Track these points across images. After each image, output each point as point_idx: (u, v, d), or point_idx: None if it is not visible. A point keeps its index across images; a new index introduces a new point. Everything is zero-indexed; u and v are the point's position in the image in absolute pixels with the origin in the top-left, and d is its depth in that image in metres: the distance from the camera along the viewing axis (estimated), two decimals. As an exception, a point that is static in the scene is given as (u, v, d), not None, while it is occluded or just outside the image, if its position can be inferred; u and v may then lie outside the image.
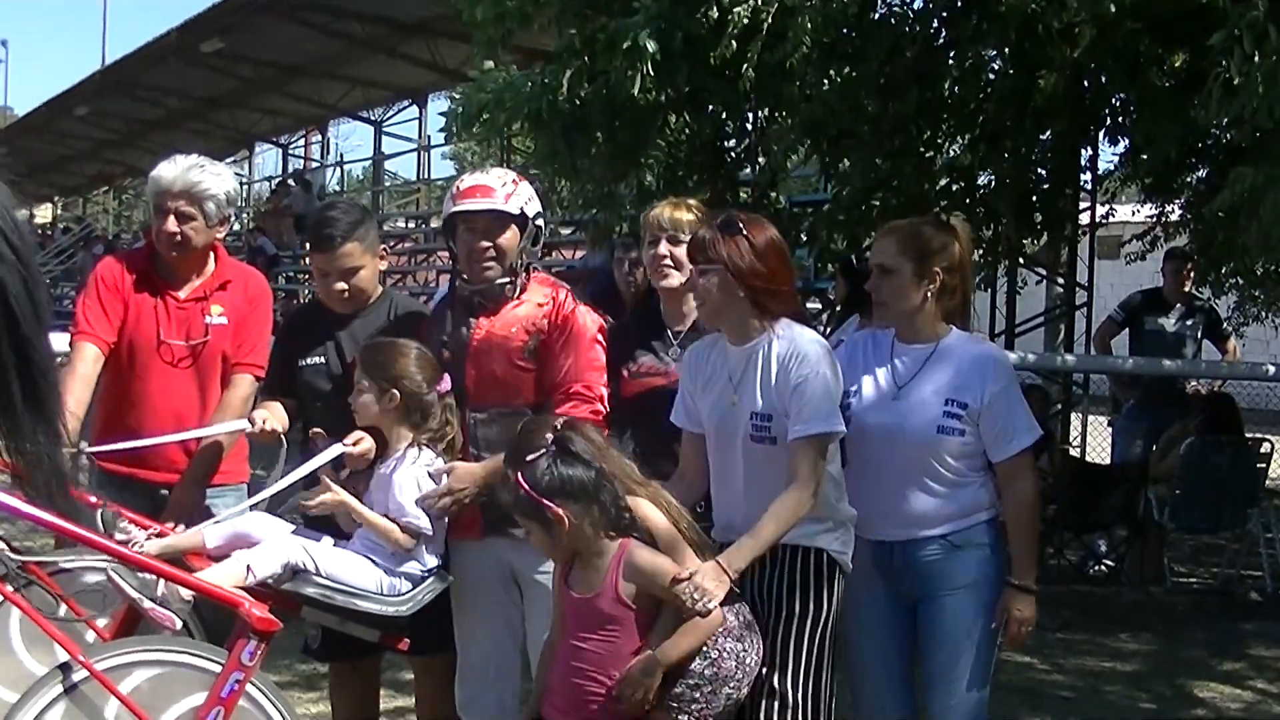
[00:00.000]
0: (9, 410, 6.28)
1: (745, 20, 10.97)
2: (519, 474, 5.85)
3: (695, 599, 5.78)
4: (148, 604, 6.18)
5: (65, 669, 5.81)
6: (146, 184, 7.70)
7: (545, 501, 5.80)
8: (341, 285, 6.95)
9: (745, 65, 11.34)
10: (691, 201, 7.15)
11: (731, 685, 5.98)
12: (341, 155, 50.34)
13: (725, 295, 6.16)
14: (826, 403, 6.13)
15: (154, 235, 7.64)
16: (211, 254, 7.67)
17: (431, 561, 6.58)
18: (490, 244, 6.76)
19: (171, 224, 7.48)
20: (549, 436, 5.90)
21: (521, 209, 6.79)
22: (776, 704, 6.12)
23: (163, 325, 7.50)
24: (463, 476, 6.59)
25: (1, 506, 6.12)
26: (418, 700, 7.50)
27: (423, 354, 6.72)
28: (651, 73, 11.50)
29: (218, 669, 5.92)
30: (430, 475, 6.57)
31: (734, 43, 11.24)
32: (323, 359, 7.04)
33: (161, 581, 6.17)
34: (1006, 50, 13.12)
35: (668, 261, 6.85)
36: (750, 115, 14.38)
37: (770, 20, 11.07)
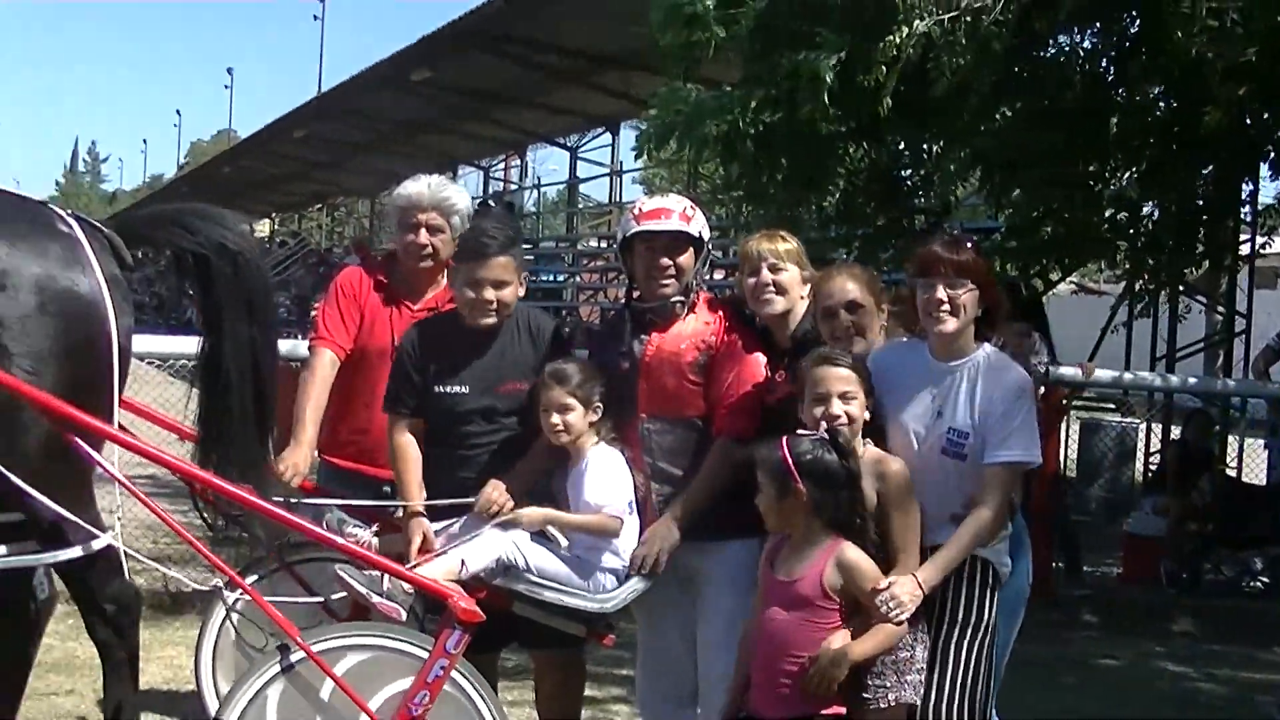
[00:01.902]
0: (243, 428, 6.67)
1: (893, 53, 10.87)
2: (785, 441, 5.99)
3: (890, 608, 5.91)
4: (375, 598, 6.46)
5: (284, 650, 6.06)
6: (391, 205, 7.80)
7: (796, 474, 5.93)
8: (491, 295, 6.89)
9: (884, 96, 11.21)
10: (783, 233, 7.11)
11: (908, 679, 6.07)
12: (539, 179, 50.81)
13: (973, 310, 6.22)
14: (1029, 433, 6.21)
15: (401, 248, 7.83)
16: (446, 268, 7.77)
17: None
18: (671, 263, 6.81)
19: (423, 236, 7.72)
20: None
21: (699, 232, 6.86)
22: (945, 705, 6.16)
23: (396, 332, 7.59)
24: (653, 538, 6.67)
25: (254, 507, 6.50)
26: (539, 693, 7.47)
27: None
28: (830, 103, 11.48)
29: (424, 655, 6.10)
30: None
31: (884, 71, 11.11)
32: (465, 388, 6.95)
33: (386, 576, 6.43)
34: (1171, 87, 12.95)
35: (770, 289, 6.80)
36: (925, 145, 14.27)
37: (912, 54, 10.96)
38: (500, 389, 6.92)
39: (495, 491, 6.68)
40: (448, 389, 6.92)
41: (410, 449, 6.91)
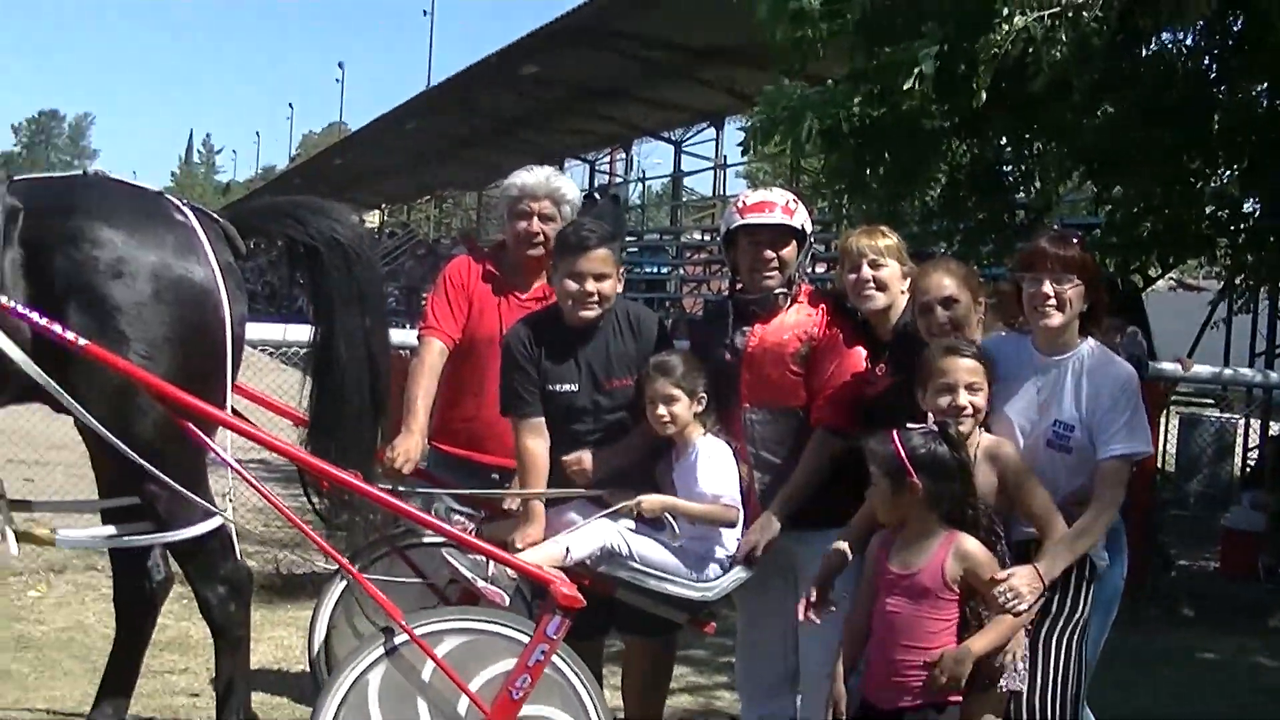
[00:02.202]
0: (354, 416, 6.81)
1: (993, 50, 10.82)
2: (897, 434, 6.01)
3: (1009, 599, 5.92)
4: (480, 583, 6.57)
5: (388, 632, 6.13)
6: (501, 196, 7.88)
7: (910, 467, 5.94)
8: (592, 287, 6.88)
9: (980, 90, 11.15)
10: (884, 228, 7.09)
11: (1019, 668, 6.08)
12: (644, 172, 50.71)
13: (1079, 305, 6.21)
14: (1140, 425, 6.20)
15: (513, 236, 7.91)
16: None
17: (733, 549, 6.68)
18: (774, 255, 6.83)
19: (535, 224, 7.82)
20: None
21: (802, 225, 6.88)
22: (1038, 697, 6.14)
23: (505, 321, 7.65)
24: (755, 528, 6.70)
25: (363, 493, 6.58)
26: (626, 679, 7.52)
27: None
28: (933, 96, 11.45)
29: (525, 639, 6.13)
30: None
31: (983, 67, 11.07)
32: (575, 386, 6.95)
33: (491, 562, 6.53)
34: (1274, 83, 12.83)
35: (870, 285, 6.78)
36: (1027, 141, 14.18)
37: (1012, 50, 10.89)
38: (608, 385, 6.94)
39: (584, 459, 6.81)
40: (558, 388, 6.92)
41: (540, 458, 6.87)
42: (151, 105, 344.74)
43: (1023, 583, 5.91)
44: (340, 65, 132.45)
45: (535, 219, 7.81)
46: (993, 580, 5.94)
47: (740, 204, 6.93)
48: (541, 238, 7.79)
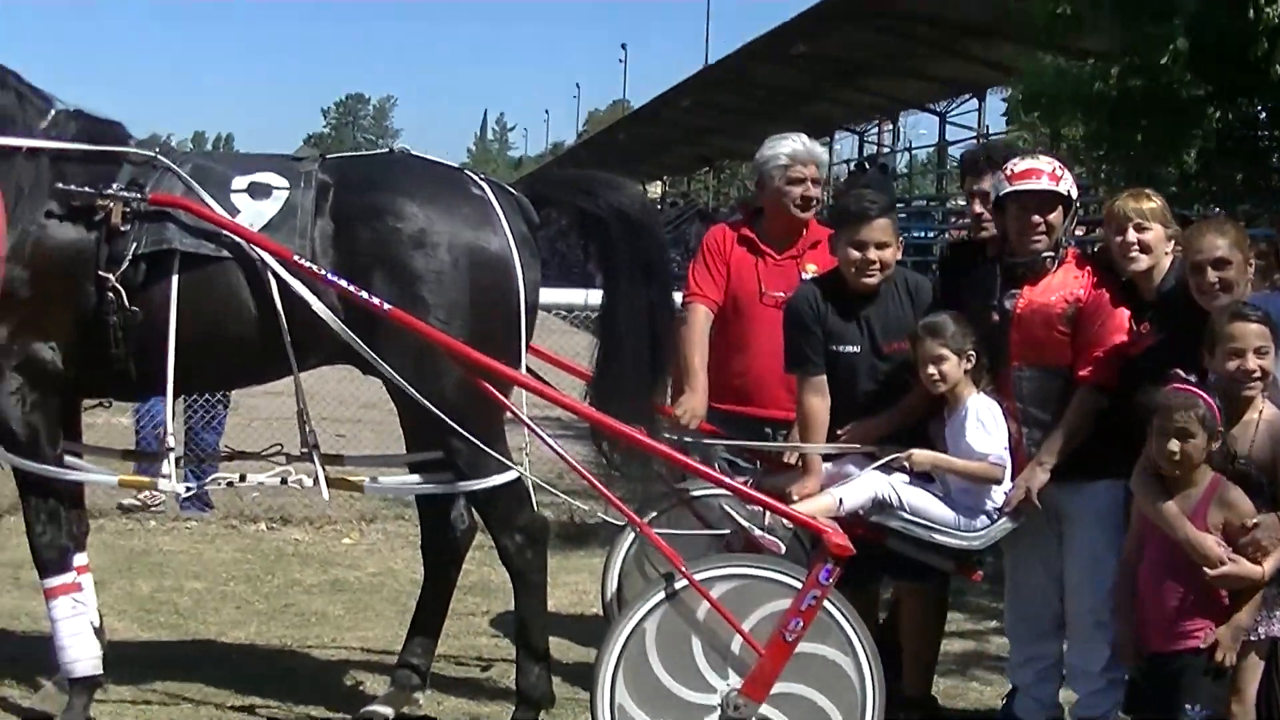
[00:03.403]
0: (637, 376, 6.93)
1: (1276, 20, 10.50)
2: (1188, 390, 5.92)
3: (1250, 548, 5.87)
4: (757, 532, 6.56)
5: (669, 578, 6.15)
6: (766, 164, 7.86)
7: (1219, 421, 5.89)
8: (875, 255, 6.85)
9: (1276, 64, 10.86)
10: (1149, 191, 6.95)
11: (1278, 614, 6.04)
12: (910, 142, 50.33)
13: None
14: None
15: (785, 200, 7.90)
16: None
17: (1000, 500, 6.58)
18: (1042, 220, 6.71)
19: (810, 189, 7.85)
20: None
21: (1068, 191, 6.76)
22: None
23: (763, 281, 7.79)
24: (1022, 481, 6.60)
25: (648, 448, 6.60)
26: (901, 621, 7.47)
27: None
28: (1187, 69, 11.23)
29: (798, 585, 6.09)
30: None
31: (1265, 41, 10.78)
32: (857, 347, 6.90)
33: (768, 513, 6.48)
34: None
35: (1136, 247, 6.61)
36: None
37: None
38: (887, 349, 6.88)
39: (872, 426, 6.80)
40: (841, 349, 6.88)
41: (821, 415, 6.83)
42: (449, 87, 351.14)
43: (1268, 534, 5.85)
44: (623, 46, 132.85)
45: (809, 183, 7.83)
46: (1243, 527, 5.85)
47: (1009, 171, 6.81)
48: (816, 200, 7.90)
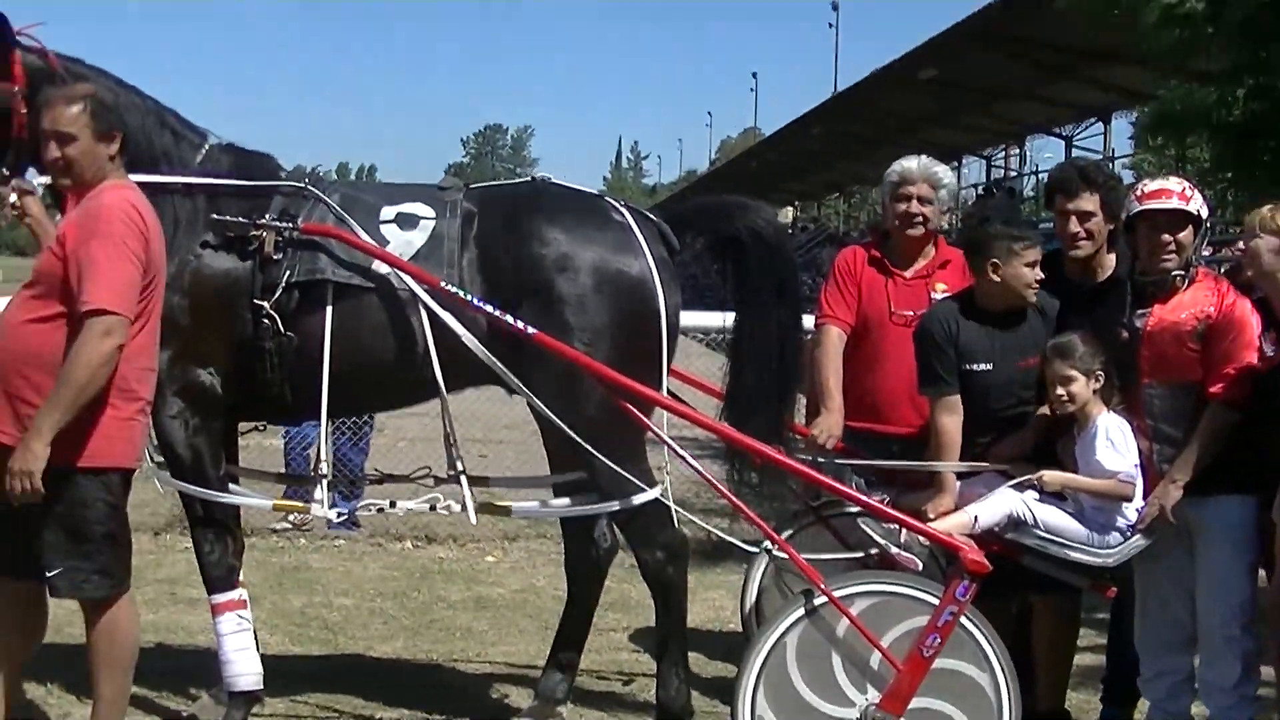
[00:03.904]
0: (770, 396, 7.01)
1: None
2: None
3: None
4: (893, 549, 6.56)
5: (807, 595, 6.17)
6: (883, 184, 7.88)
7: None
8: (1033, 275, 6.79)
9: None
10: None
11: None
12: (1036, 166, 49.75)
13: None
14: None
15: (893, 217, 7.84)
16: (933, 239, 7.83)
17: (1133, 517, 6.50)
18: (1172, 239, 6.62)
19: (914, 205, 7.73)
20: None
21: (1198, 210, 6.66)
22: None
23: (892, 300, 7.69)
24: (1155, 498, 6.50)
25: (785, 466, 6.66)
26: (1035, 633, 7.30)
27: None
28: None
29: (934, 601, 6.10)
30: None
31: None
32: (990, 365, 6.81)
33: (904, 530, 6.50)
34: None
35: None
36: None
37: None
38: (1020, 366, 6.80)
39: (1006, 448, 6.71)
40: (975, 367, 6.80)
41: (954, 434, 6.74)
42: (584, 117, 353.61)
43: None
44: (754, 75, 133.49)
45: (915, 201, 7.73)
46: None
47: (1139, 192, 6.73)
48: (921, 218, 7.75)
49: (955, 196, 7.84)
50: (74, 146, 6.09)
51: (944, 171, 7.96)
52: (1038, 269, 6.81)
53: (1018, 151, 48.31)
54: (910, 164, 7.83)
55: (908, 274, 7.79)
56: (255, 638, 7.11)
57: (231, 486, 7.13)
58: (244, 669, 6.95)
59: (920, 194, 7.73)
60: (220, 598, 6.99)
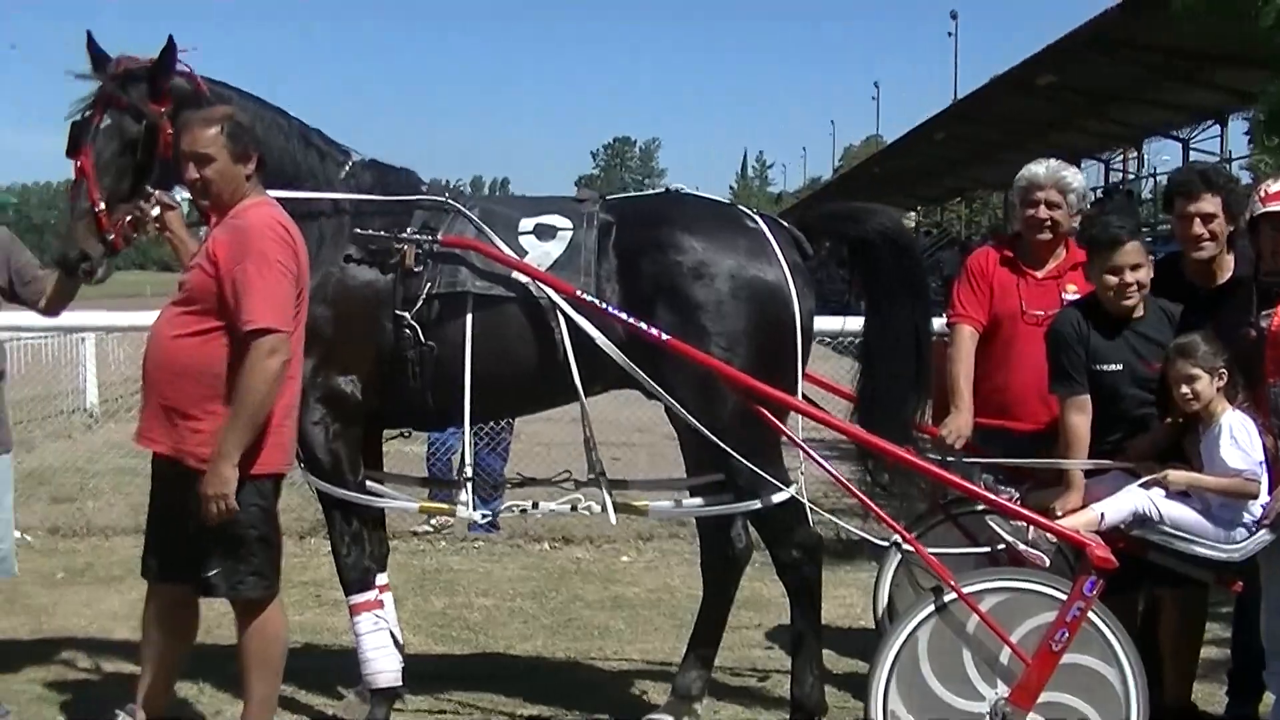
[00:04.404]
0: (902, 396, 7.04)
1: None
2: None
3: None
4: (1021, 546, 6.53)
5: (937, 591, 6.20)
6: (1013, 188, 7.85)
7: None
8: (1130, 278, 6.70)
9: None
10: None
11: None
12: (1154, 169, 49.16)
13: None
14: None
15: (1023, 221, 7.80)
16: (1064, 241, 7.75)
17: (1259, 513, 6.41)
18: None
19: (1042, 211, 7.67)
20: None
21: None
22: None
23: (1024, 300, 7.63)
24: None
25: (915, 466, 6.67)
26: (1162, 625, 7.24)
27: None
28: None
29: (1062, 597, 6.09)
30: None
31: None
32: (1120, 366, 6.75)
33: (1032, 527, 6.46)
34: None
35: None
36: None
37: None
38: (1148, 368, 6.73)
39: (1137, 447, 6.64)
40: (1104, 368, 6.74)
41: (1083, 433, 6.68)
42: (710, 128, 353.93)
43: None
44: (876, 84, 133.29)
45: (1042, 206, 7.66)
46: None
47: (1263, 192, 6.62)
48: (1049, 222, 7.67)
49: (1084, 198, 7.73)
50: (211, 167, 6.21)
51: (1072, 175, 7.86)
52: (1129, 273, 6.71)
53: (1135, 154, 47.80)
54: (1038, 169, 7.77)
55: (1040, 274, 7.74)
56: (394, 636, 7.20)
57: (376, 488, 7.24)
58: (382, 666, 7.07)
59: (1048, 199, 7.67)
60: (357, 598, 7.12)
